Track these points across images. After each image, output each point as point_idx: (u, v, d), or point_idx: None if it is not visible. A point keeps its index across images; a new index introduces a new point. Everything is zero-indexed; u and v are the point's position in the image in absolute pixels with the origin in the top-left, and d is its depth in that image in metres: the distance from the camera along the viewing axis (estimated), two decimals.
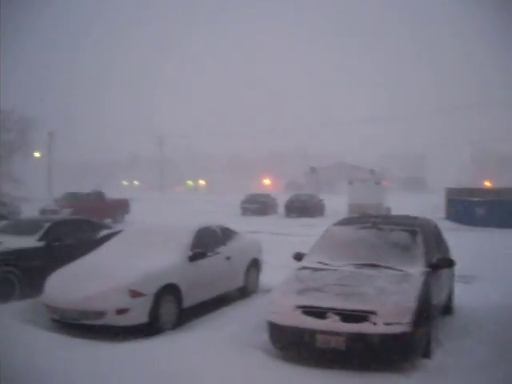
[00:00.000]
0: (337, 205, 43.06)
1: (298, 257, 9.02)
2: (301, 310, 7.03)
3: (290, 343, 7.19)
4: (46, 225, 12.26)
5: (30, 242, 11.58)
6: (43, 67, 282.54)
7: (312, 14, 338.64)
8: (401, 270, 7.75)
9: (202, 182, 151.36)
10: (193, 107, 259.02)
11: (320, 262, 8.35)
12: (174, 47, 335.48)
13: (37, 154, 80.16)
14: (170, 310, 9.06)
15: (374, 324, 6.65)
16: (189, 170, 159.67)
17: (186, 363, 6.87)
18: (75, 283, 8.98)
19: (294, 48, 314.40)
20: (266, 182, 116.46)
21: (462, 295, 10.73)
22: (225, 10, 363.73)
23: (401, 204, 41.39)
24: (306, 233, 23.26)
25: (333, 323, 6.76)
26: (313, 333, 6.85)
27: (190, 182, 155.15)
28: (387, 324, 6.63)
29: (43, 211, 31.67)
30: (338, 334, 6.73)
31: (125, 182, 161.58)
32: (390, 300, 6.87)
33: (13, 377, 6.21)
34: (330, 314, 6.81)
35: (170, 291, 9.07)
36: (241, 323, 9.09)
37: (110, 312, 8.38)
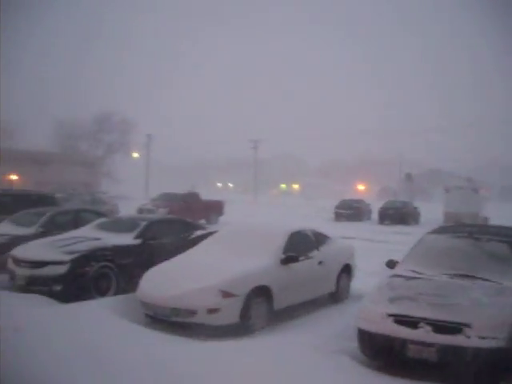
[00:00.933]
0: (432, 213, 42.05)
1: (391, 264, 8.90)
2: (392, 318, 6.93)
3: (380, 351, 7.11)
4: (143, 223, 12.56)
5: (127, 239, 11.93)
6: (144, 72, 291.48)
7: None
8: (498, 283, 7.51)
9: (295, 186, 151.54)
10: (288, 111, 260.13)
11: (413, 271, 8.21)
12: (267, 52, 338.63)
13: (135, 155, 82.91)
14: (260, 311, 9.11)
15: (468, 337, 6.47)
16: (283, 173, 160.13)
17: (273, 365, 6.88)
18: (169, 281, 9.20)
19: (396, 53, 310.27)
20: (360, 187, 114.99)
21: None
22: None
23: (500, 214, 39.93)
24: (400, 240, 22.80)
25: (425, 334, 6.63)
26: (404, 342, 6.74)
27: (283, 186, 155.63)
28: (482, 338, 6.43)
29: (140, 210, 32.37)
30: (430, 345, 6.59)
31: (219, 184, 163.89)
32: (486, 313, 6.67)
33: (108, 368, 6.42)
34: (422, 324, 6.68)
35: (261, 293, 9.13)
36: (331, 328, 9.05)
37: (201, 311, 8.51)
